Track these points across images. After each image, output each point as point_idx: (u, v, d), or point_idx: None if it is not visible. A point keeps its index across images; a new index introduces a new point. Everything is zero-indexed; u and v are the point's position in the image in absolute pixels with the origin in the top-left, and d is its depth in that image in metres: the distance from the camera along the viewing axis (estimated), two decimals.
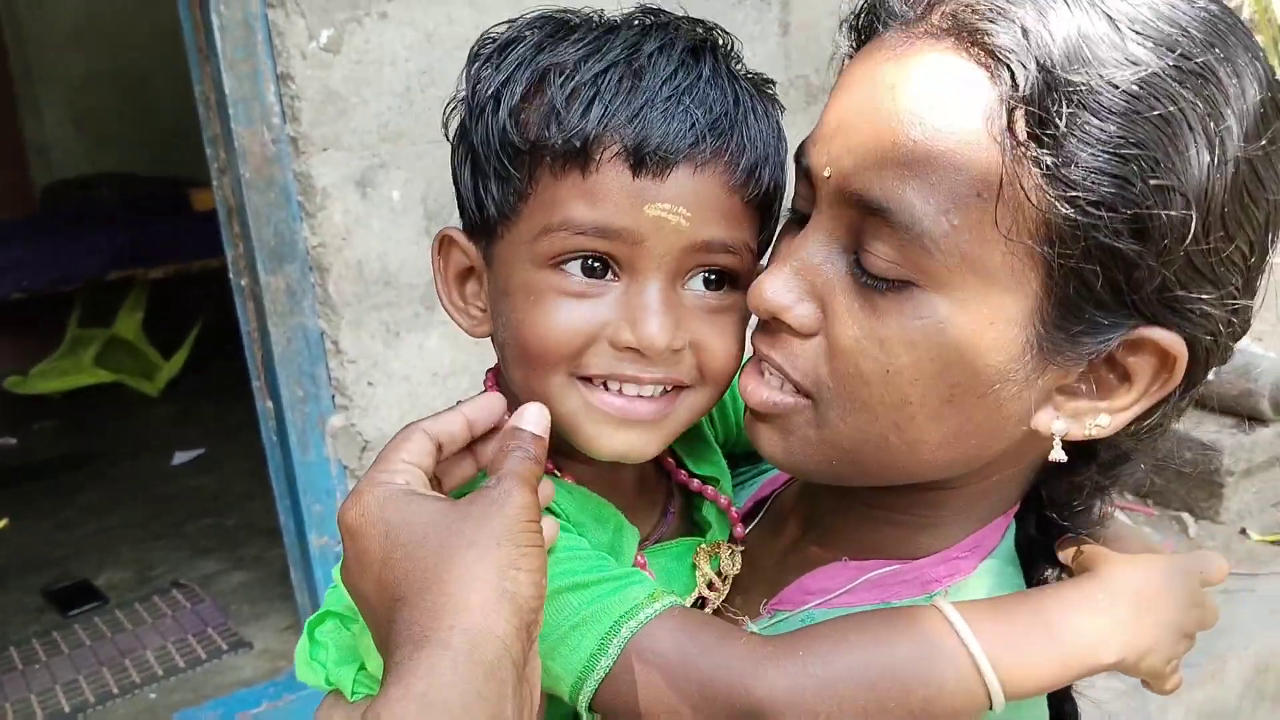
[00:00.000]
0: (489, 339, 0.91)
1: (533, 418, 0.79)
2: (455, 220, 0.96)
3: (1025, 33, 0.66)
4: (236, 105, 2.69)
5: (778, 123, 0.87)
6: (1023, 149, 0.66)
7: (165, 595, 3.97)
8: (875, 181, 0.70)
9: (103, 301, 6.29)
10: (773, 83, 0.89)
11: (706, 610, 0.92)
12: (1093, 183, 0.65)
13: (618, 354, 0.81)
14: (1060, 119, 0.65)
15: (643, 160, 0.77)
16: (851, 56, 0.79)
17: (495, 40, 0.87)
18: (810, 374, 0.76)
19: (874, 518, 0.83)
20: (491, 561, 0.67)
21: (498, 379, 0.93)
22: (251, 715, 3.18)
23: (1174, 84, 0.65)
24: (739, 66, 0.87)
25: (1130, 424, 0.74)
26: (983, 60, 0.67)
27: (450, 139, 0.90)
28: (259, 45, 2.68)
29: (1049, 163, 0.65)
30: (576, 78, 0.79)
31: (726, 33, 0.88)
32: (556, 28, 0.85)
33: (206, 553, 4.28)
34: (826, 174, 0.74)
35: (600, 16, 0.86)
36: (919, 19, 0.71)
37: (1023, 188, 0.66)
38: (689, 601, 0.90)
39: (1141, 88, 0.65)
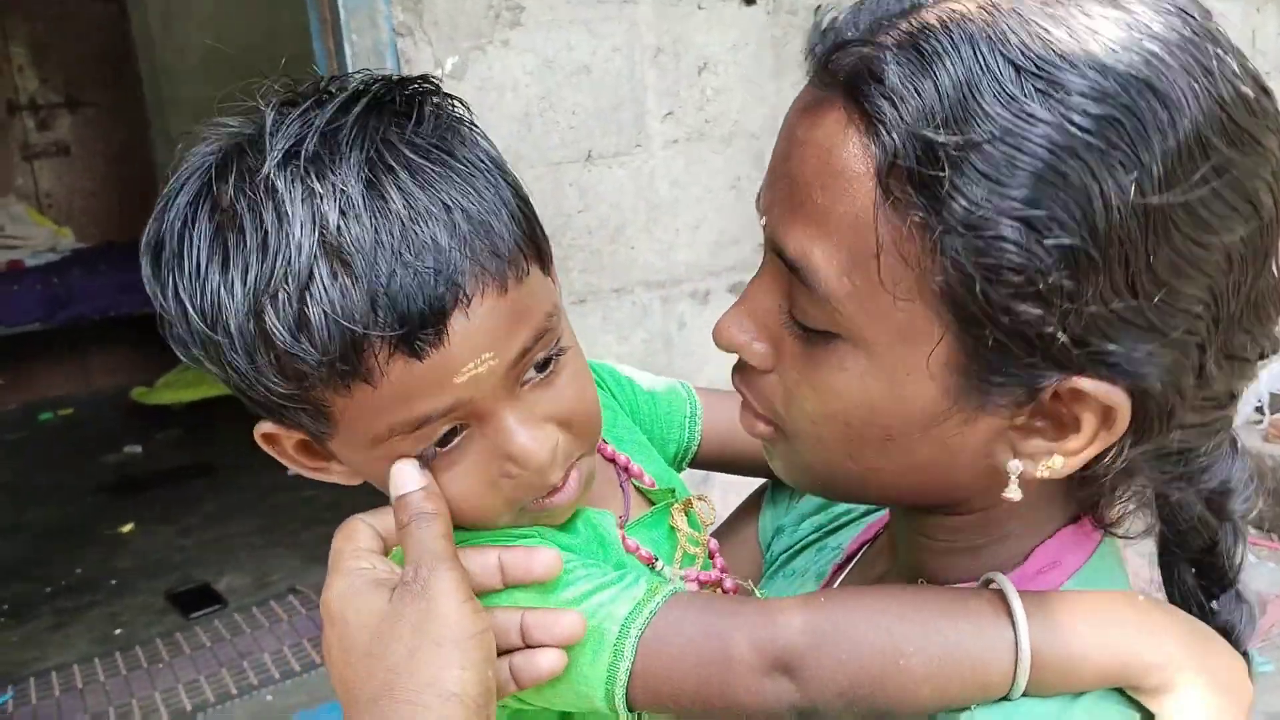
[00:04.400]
0: None
1: (407, 477, 0.76)
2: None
3: (903, 91, 0.62)
4: None
5: (491, 160, 0.76)
6: (903, 214, 0.63)
7: (282, 601, 4.12)
8: (790, 239, 0.69)
9: None
10: (467, 121, 0.77)
11: (716, 569, 0.95)
12: (977, 247, 0.61)
13: (525, 481, 0.78)
14: (939, 183, 0.61)
15: (417, 347, 0.69)
16: None
17: (163, 246, 0.75)
18: (770, 407, 0.77)
19: (929, 547, 0.82)
20: (434, 666, 0.69)
21: None
22: None
23: (1077, 133, 0.59)
24: (418, 137, 0.73)
25: (1091, 466, 0.71)
26: (863, 122, 0.65)
27: (179, 345, 0.75)
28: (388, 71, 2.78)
29: (931, 227, 0.62)
30: (291, 297, 0.67)
31: (384, 83, 0.75)
32: (220, 216, 0.71)
33: (321, 560, 4.32)
34: (763, 222, 0.74)
35: (243, 152, 0.73)
36: (822, 66, 0.68)
37: (906, 252, 0.64)
38: (677, 556, 0.92)
39: (1033, 143, 0.60)
